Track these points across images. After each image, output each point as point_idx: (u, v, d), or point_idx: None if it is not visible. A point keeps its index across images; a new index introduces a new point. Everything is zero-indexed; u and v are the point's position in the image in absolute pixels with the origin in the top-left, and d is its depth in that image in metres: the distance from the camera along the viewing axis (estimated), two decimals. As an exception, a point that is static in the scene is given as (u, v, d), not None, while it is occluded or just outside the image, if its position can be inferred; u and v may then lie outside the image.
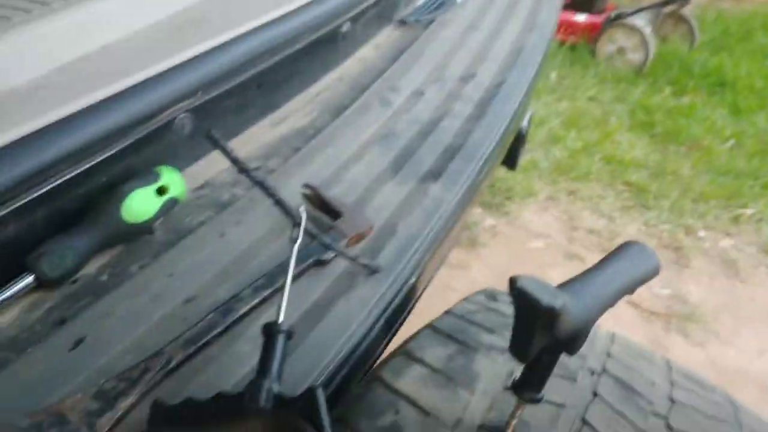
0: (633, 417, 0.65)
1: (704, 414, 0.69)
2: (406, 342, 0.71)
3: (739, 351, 1.94)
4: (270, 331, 0.56)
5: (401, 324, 0.78)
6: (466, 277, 2.28)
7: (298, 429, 0.50)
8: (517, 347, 0.51)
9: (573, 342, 0.51)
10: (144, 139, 0.76)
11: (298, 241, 0.63)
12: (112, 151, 0.73)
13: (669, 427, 0.66)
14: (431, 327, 0.70)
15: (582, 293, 0.50)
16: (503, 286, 0.39)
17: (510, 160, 1.51)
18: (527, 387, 0.56)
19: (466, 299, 0.78)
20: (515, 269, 0.48)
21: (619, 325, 1.69)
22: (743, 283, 2.22)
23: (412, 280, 0.77)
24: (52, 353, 0.60)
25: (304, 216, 0.67)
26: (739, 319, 2.05)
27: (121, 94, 0.73)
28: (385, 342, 0.75)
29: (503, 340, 0.70)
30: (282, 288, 0.60)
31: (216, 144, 0.82)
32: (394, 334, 0.77)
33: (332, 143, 0.97)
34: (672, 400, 0.70)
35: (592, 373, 0.69)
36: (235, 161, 0.79)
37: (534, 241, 2.46)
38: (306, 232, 0.74)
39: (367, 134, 1.01)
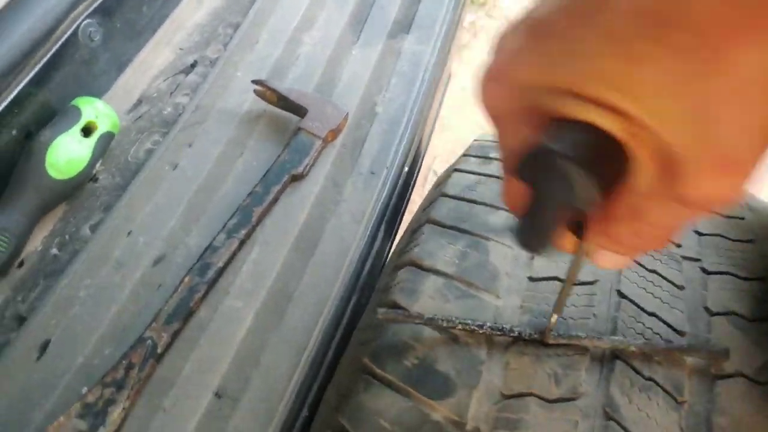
0: (667, 273, 0.58)
1: (730, 239, 0.63)
2: (408, 243, 0.62)
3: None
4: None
5: (402, 219, 0.69)
6: (455, 86, 2.15)
7: None
8: None
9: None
10: (49, 64, 0.62)
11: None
12: (15, 91, 0.59)
13: (704, 270, 0.59)
14: (431, 221, 0.61)
15: None
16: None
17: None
18: None
19: (456, 168, 0.67)
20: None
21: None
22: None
23: (406, 169, 0.67)
24: (19, 367, 0.52)
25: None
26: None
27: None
28: (389, 246, 0.66)
29: (511, 215, 0.61)
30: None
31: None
32: (397, 231, 0.69)
33: (276, 6, 0.80)
34: (699, 233, 0.63)
35: None
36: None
37: (517, 30, 2.28)
38: (271, 143, 0.62)
39: (314, -15, 0.83)
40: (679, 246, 0.60)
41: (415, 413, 0.48)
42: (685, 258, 0.60)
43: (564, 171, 0.25)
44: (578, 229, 0.31)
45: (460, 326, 0.51)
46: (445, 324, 0.51)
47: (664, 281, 0.57)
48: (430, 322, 0.51)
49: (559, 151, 0.24)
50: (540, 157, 0.25)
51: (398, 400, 0.48)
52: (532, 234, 0.28)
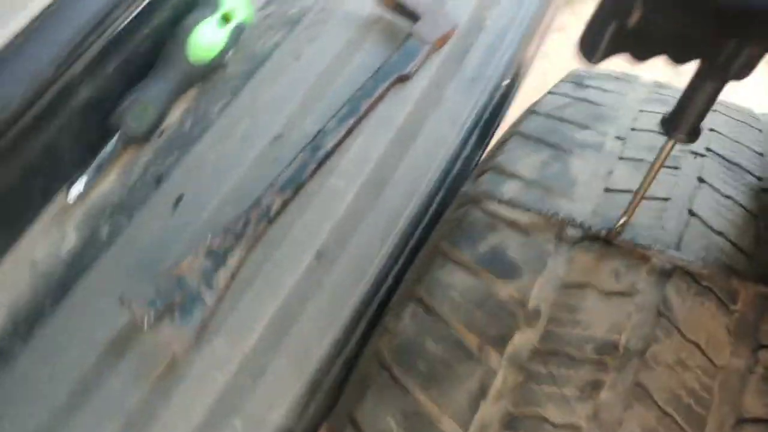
0: (742, 200, 0.60)
1: None
2: (494, 153, 0.66)
3: None
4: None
5: (495, 132, 0.73)
6: (564, 40, 2.08)
7: None
8: None
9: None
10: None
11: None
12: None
13: None
14: (518, 133, 0.65)
15: None
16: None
17: None
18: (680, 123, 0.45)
19: (550, 92, 0.70)
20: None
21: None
22: None
23: (506, 81, 0.70)
24: (157, 214, 0.61)
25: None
26: None
27: None
28: (479, 155, 0.71)
29: (597, 134, 0.64)
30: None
31: None
32: (488, 144, 0.73)
33: None
34: None
35: (695, 155, 0.63)
36: None
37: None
38: (384, 45, 0.67)
39: None
40: (760, 180, 0.61)
41: (483, 289, 0.53)
42: (764, 190, 0.61)
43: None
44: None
45: (535, 212, 0.55)
46: (524, 208, 0.56)
47: (738, 206, 0.59)
48: (511, 202, 0.56)
49: None
50: None
51: (469, 278, 0.54)
52: (586, 38, 0.34)
